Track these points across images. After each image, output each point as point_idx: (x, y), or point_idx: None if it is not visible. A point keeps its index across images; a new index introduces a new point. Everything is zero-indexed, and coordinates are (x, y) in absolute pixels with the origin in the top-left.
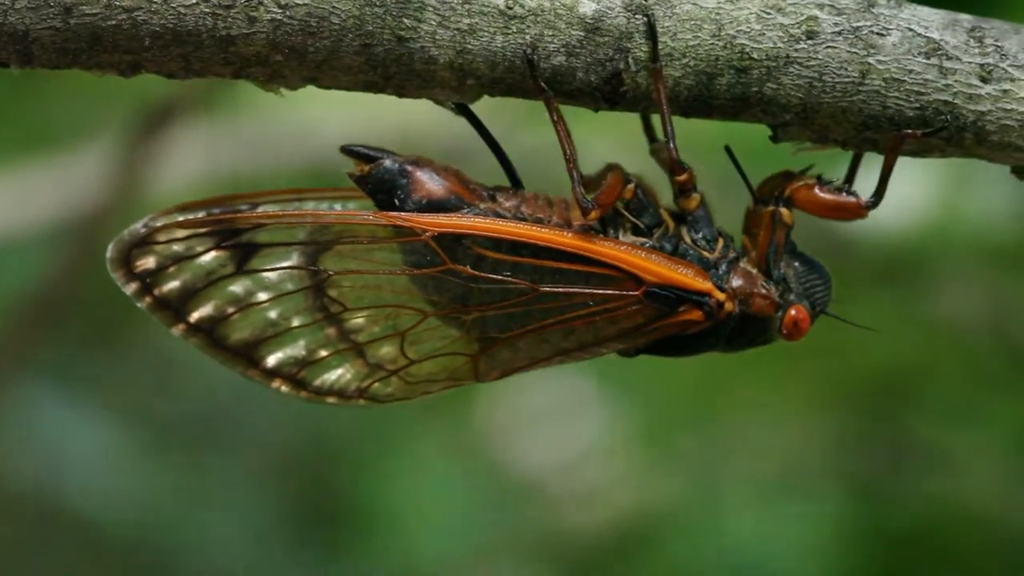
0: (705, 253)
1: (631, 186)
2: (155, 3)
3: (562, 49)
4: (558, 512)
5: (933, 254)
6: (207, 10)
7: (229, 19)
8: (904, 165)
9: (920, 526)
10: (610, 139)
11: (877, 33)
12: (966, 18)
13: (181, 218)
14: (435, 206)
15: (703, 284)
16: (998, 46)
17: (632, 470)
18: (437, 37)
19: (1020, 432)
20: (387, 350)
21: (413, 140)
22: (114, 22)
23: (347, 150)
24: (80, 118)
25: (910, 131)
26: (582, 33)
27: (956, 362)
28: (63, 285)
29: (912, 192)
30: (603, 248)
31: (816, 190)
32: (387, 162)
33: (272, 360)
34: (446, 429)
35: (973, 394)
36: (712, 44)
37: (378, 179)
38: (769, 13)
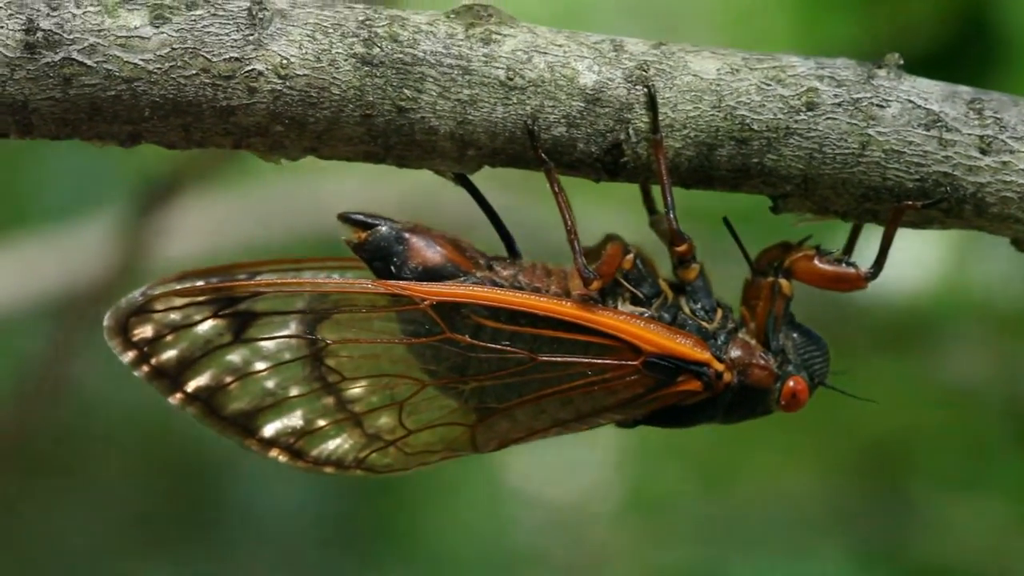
0: (704, 323)
1: (630, 256)
2: (155, 74)
3: (562, 120)
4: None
5: (938, 319)
6: (207, 81)
7: (229, 90)
8: (908, 230)
9: None
10: (610, 205)
11: (877, 105)
12: (965, 90)
13: (179, 286)
14: (431, 273)
15: (702, 354)
16: (997, 118)
17: (636, 535)
18: (438, 108)
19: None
20: (385, 420)
21: (421, 207)
22: (113, 93)
23: (344, 217)
24: (82, 191)
25: (910, 202)
26: (582, 104)
27: (961, 427)
28: (63, 361)
29: (916, 257)
30: (602, 317)
31: (815, 261)
32: (384, 229)
33: (269, 430)
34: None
35: (978, 460)
36: (712, 115)
37: (375, 246)
38: (769, 84)
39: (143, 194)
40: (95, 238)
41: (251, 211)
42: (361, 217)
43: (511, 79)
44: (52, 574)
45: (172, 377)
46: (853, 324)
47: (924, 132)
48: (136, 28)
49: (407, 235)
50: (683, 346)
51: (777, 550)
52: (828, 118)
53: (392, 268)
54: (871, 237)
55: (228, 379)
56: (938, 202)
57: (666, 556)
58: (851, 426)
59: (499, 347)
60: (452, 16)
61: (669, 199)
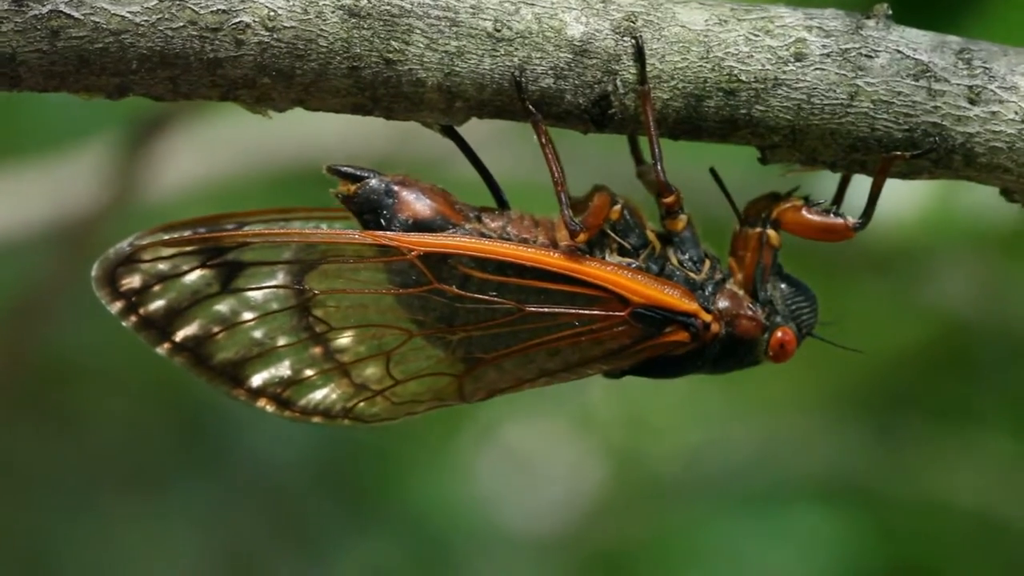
0: (691, 274)
1: (618, 207)
2: (142, 26)
3: (550, 71)
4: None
5: (927, 243)
6: (194, 33)
7: (216, 42)
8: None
9: (916, 528)
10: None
11: (865, 55)
12: (954, 40)
13: (167, 236)
14: (421, 226)
15: (689, 305)
16: (986, 67)
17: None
18: (425, 60)
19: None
20: (372, 370)
21: (403, 142)
22: (101, 45)
23: (333, 170)
24: (74, 121)
25: (899, 153)
26: (570, 56)
27: (951, 352)
28: (53, 291)
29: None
30: (589, 268)
31: (804, 212)
32: (373, 182)
33: (257, 380)
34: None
35: (968, 386)
36: (700, 66)
37: (364, 199)
38: (758, 35)
39: (134, 125)
40: (86, 168)
41: (241, 142)
42: (350, 170)
43: (498, 31)
44: (41, 507)
45: (160, 327)
46: (842, 248)
47: (913, 82)
48: None
49: (396, 188)
50: (671, 297)
51: (761, 505)
52: (816, 69)
53: (382, 221)
54: (859, 187)
55: (216, 329)
56: (927, 152)
57: (649, 522)
58: (840, 359)
59: (486, 298)
60: None
61: (657, 150)
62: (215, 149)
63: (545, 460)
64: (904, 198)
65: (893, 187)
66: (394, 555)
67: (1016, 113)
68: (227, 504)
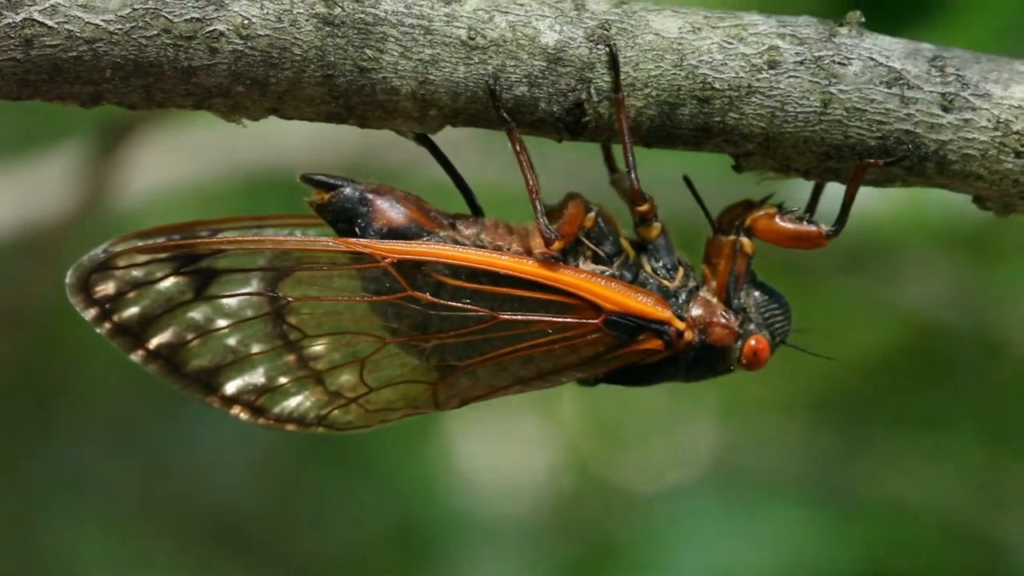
0: (665, 282)
1: (592, 215)
2: (116, 35)
3: (524, 79)
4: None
5: (897, 243)
6: (168, 41)
7: (191, 50)
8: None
9: (886, 531)
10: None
11: (839, 63)
12: (927, 47)
13: (141, 243)
14: (395, 234)
15: (663, 313)
16: (959, 75)
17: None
18: (399, 68)
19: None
20: (346, 377)
21: (375, 150)
22: (75, 53)
23: (307, 179)
24: (44, 124)
25: (872, 160)
26: (544, 63)
27: (922, 355)
28: (22, 296)
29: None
30: (563, 276)
31: (777, 219)
32: (347, 190)
33: (231, 387)
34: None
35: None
36: (674, 74)
37: (338, 208)
38: (731, 43)
39: (104, 131)
40: (56, 173)
41: (211, 147)
42: (324, 178)
43: (472, 39)
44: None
45: (134, 334)
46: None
47: (886, 90)
48: None
49: (370, 196)
50: (644, 304)
51: (731, 506)
52: (790, 76)
53: (356, 230)
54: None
55: (190, 336)
56: (900, 160)
57: (619, 522)
58: (811, 363)
59: (460, 305)
60: None
61: (630, 158)
62: (186, 154)
63: (516, 464)
64: (875, 198)
65: (865, 188)
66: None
67: (989, 120)
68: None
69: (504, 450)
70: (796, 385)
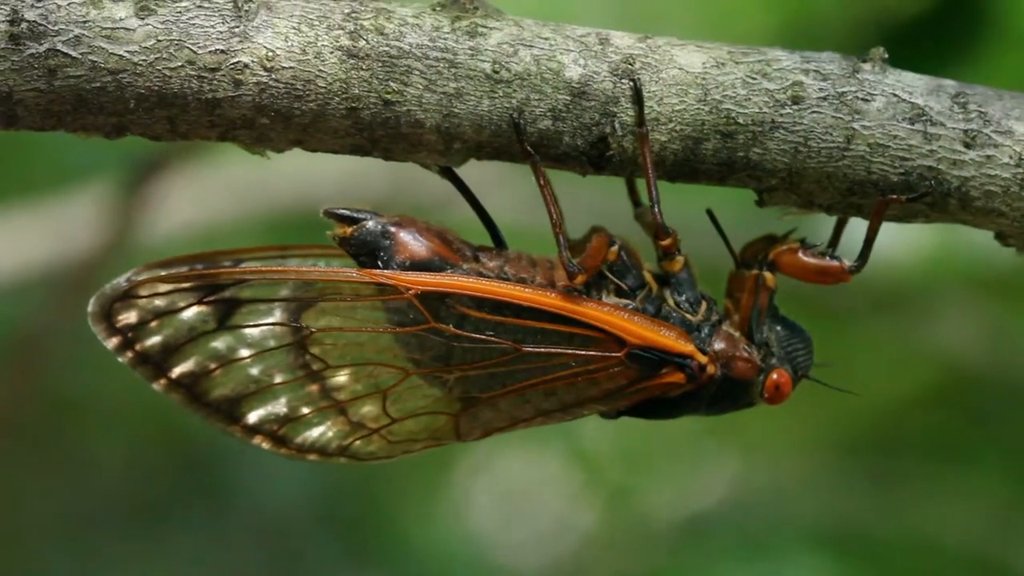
0: (688, 316)
1: (615, 248)
2: (140, 66)
3: (548, 113)
4: None
5: (927, 286)
6: (192, 73)
7: (215, 82)
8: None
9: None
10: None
11: (862, 99)
12: (950, 84)
13: (164, 273)
14: (418, 267)
15: (685, 347)
16: (982, 112)
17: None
18: (424, 101)
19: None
20: (369, 408)
21: (403, 186)
22: (99, 84)
23: (330, 213)
24: (73, 162)
25: (895, 196)
26: (568, 97)
27: (951, 396)
28: (52, 331)
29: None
30: (586, 309)
31: (800, 254)
32: (370, 223)
33: (253, 417)
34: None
35: (968, 433)
36: (698, 109)
37: (361, 241)
38: (755, 78)
39: (132, 167)
40: (85, 210)
41: (238, 184)
42: (346, 212)
43: (497, 72)
44: (40, 546)
45: (156, 363)
46: (842, 290)
47: (909, 126)
48: (121, 20)
49: (393, 229)
50: (667, 338)
51: (756, 548)
52: (813, 112)
53: (379, 263)
54: (856, 230)
55: (212, 366)
56: (922, 196)
57: (642, 563)
58: (837, 402)
59: (483, 337)
60: (438, 9)
61: (654, 193)
62: (213, 191)
63: (538, 495)
64: (901, 238)
65: (890, 227)
66: None
67: (1011, 157)
68: (225, 542)
69: (524, 490)
70: (823, 426)
